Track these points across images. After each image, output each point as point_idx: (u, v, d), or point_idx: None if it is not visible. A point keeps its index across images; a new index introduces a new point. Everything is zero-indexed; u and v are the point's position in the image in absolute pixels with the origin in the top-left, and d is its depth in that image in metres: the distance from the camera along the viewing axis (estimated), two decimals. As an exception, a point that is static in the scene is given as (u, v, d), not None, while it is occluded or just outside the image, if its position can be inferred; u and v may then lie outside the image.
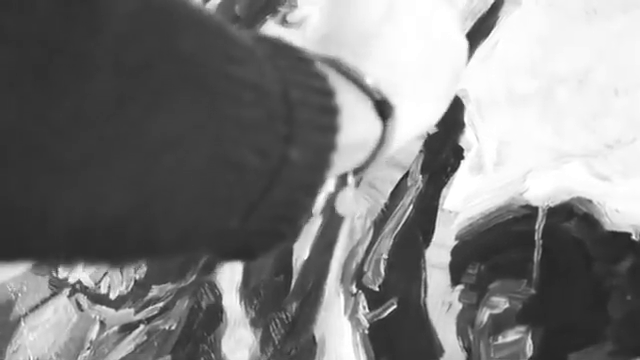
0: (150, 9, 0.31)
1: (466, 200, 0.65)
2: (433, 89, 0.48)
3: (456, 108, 0.67)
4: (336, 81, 0.41)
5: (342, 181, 0.45)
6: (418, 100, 0.46)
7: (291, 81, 0.36)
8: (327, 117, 0.37)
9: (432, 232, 0.67)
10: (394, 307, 0.67)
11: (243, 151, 0.33)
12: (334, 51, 0.44)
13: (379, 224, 0.69)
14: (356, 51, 0.44)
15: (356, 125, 0.41)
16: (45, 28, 0.27)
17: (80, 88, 0.28)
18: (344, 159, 0.41)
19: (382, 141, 0.44)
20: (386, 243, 0.69)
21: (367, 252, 0.71)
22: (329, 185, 0.44)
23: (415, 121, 0.47)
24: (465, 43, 0.50)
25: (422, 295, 0.66)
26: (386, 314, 0.68)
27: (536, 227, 0.60)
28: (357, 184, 0.45)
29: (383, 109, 0.43)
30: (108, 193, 0.30)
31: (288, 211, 0.37)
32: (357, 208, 0.47)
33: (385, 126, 0.43)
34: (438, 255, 0.66)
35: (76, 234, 0.30)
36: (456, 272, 0.64)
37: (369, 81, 0.43)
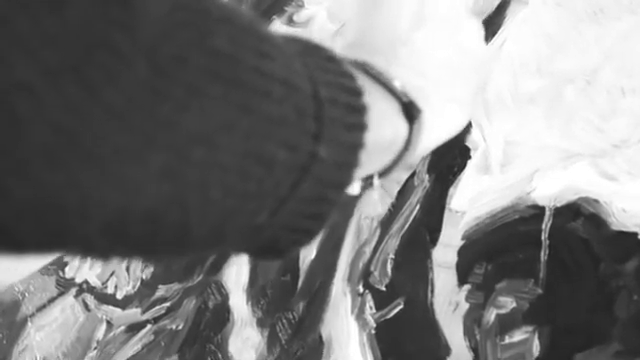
0: (184, 7, 0.32)
1: (473, 200, 0.65)
2: (458, 96, 0.48)
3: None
4: (365, 83, 0.41)
5: (368, 183, 0.45)
6: (443, 106, 0.47)
7: (320, 79, 0.37)
8: (355, 115, 0.38)
9: (439, 232, 0.67)
10: (401, 307, 0.67)
11: (272, 146, 0.34)
12: (363, 56, 0.44)
13: (386, 224, 0.69)
14: (385, 56, 0.45)
15: (383, 126, 0.42)
16: (82, 27, 0.28)
17: (115, 85, 0.29)
18: (371, 160, 0.42)
19: (408, 143, 0.44)
20: (393, 243, 0.69)
21: (374, 252, 0.71)
22: (355, 187, 0.44)
23: (440, 126, 0.47)
24: (488, 54, 0.50)
25: (429, 295, 0.66)
26: (393, 314, 0.68)
27: (543, 227, 0.60)
28: (381, 186, 0.45)
29: (410, 112, 0.44)
30: (141, 186, 0.30)
31: (316, 207, 0.37)
32: (383, 209, 0.47)
33: (412, 128, 0.44)
34: (445, 255, 0.66)
35: (112, 227, 0.31)
36: (463, 272, 0.64)
37: (397, 84, 0.43)
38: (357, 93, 0.38)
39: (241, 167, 0.33)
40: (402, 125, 0.44)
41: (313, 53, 0.38)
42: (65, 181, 0.29)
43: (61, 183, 0.28)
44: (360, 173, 0.42)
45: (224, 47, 0.32)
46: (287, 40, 0.38)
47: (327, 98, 0.36)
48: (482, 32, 0.51)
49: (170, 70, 0.30)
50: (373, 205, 0.46)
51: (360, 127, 0.38)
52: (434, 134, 0.47)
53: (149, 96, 0.29)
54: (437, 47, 0.47)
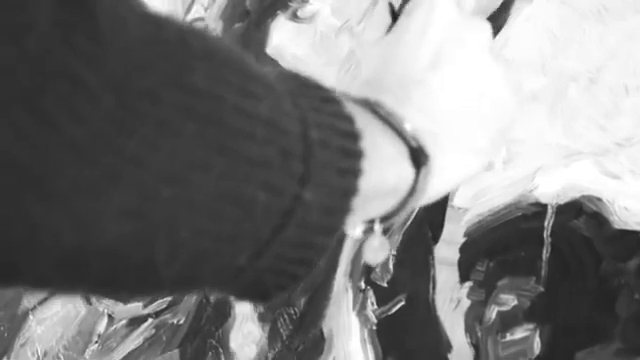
0: (161, 40, 0.31)
1: (475, 197, 0.65)
2: (473, 143, 0.46)
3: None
4: (371, 124, 0.40)
5: (369, 227, 0.43)
6: (456, 152, 0.45)
7: (312, 120, 0.35)
8: (349, 160, 0.36)
9: (441, 229, 0.67)
10: (402, 303, 0.67)
11: (252, 188, 0.33)
12: (375, 94, 0.43)
13: (388, 220, 0.69)
14: (398, 96, 0.43)
15: (386, 170, 0.40)
16: (41, 57, 0.27)
17: (75, 117, 0.28)
18: (371, 204, 0.40)
19: (414, 190, 0.42)
20: (395, 239, 0.69)
21: (376, 248, 0.71)
22: (357, 231, 0.43)
23: (450, 173, 0.45)
24: (514, 101, 0.48)
25: (430, 291, 0.66)
26: (394, 310, 0.68)
27: (545, 225, 0.60)
28: (385, 232, 0.44)
29: (418, 157, 0.42)
30: (100, 224, 0.29)
31: (303, 252, 0.36)
32: (384, 256, 0.46)
33: (418, 175, 0.42)
34: (447, 252, 0.66)
35: (68, 263, 0.30)
36: (465, 269, 0.64)
37: (407, 127, 0.42)
38: (354, 137, 0.37)
39: (215, 208, 0.32)
40: (408, 170, 0.42)
41: (308, 93, 0.37)
42: (14, 214, 0.28)
43: (9, 215, 0.28)
44: (360, 217, 0.41)
45: (202, 84, 0.31)
46: (281, 77, 0.37)
47: (318, 141, 0.35)
48: (507, 79, 0.48)
49: (139, 105, 0.29)
50: (374, 252, 0.44)
51: (354, 172, 0.36)
52: (444, 180, 0.45)
53: (113, 131, 0.28)
54: (453, 91, 0.45)
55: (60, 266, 0.30)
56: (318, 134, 0.35)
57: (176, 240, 0.32)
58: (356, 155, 0.37)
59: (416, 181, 0.42)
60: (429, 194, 0.44)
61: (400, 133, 0.41)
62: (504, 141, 0.49)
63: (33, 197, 0.28)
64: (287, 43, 0.87)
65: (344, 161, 0.36)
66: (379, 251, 0.44)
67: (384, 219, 0.43)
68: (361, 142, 0.37)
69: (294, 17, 0.88)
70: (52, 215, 0.28)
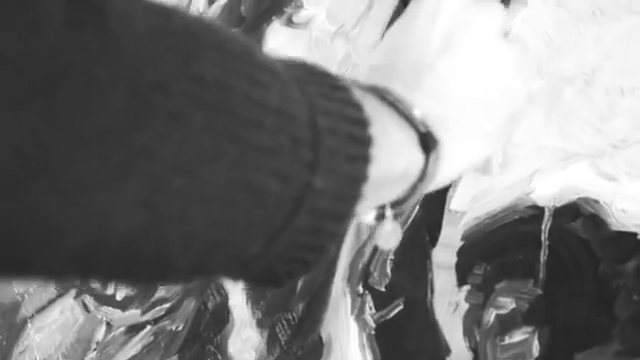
0: (169, 32, 0.31)
1: (472, 200, 0.65)
2: (481, 128, 0.46)
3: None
4: (380, 111, 0.40)
5: (380, 213, 0.44)
6: (464, 137, 0.45)
7: (320, 107, 0.35)
8: (358, 146, 0.36)
9: (438, 232, 0.67)
10: (400, 307, 0.67)
11: (263, 176, 0.33)
12: (384, 80, 0.43)
13: (385, 224, 0.69)
14: (407, 82, 0.43)
15: (396, 156, 0.40)
16: (52, 50, 0.27)
17: (87, 112, 0.28)
18: (383, 190, 0.41)
19: (424, 175, 0.43)
20: (392, 243, 0.69)
21: (373, 252, 0.71)
22: (369, 216, 0.44)
23: (460, 157, 0.45)
24: (524, 88, 0.48)
25: (428, 295, 0.66)
26: (392, 314, 0.68)
27: (542, 227, 0.60)
28: (396, 217, 0.44)
29: (427, 142, 0.42)
30: (112, 217, 0.30)
31: (314, 239, 0.36)
32: (396, 241, 0.46)
33: (427, 160, 0.42)
34: (444, 255, 0.66)
35: (85, 254, 0.30)
36: (462, 272, 0.64)
37: (416, 113, 0.42)
38: (362, 124, 0.37)
39: (227, 198, 0.32)
40: (418, 156, 0.42)
41: (316, 80, 0.37)
42: (26, 208, 0.28)
43: (22, 210, 0.28)
44: (370, 203, 0.41)
45: (211, 74, 0.31)
46: (288, 66, 0.37)
47: (326, 127, 0.35)
48: (518, 65, 0.48)
49: (150, 98, 0.29)
50: (385, 238, 0.44)
51: (363, 159, 0.37)
52: (452, 165, 0.45)
53: (125, 125, 0.29)
54: (462, 76, 0.45)
55: (73, 259, 0.30)
56: (326, 121, 0.35)
57: (189, 231, 0.32)
58: (365, 142, 0.37)
59: (426, 166, 0.42)
60: (438, 179, 0.44)
61: (409, 119, 0.42)
62: (513, 127, 0.49)
63: (45, 192, 0.28)
64: (282, 48, 0.87)
65: (353, 148, 0.36)
66: (391, 236, 0.44)
67: (395, 205, 0.43)
68: (370, 129, 0.37)
69: (289, 22, 0.88)
70: (64, 209, 0.28)
